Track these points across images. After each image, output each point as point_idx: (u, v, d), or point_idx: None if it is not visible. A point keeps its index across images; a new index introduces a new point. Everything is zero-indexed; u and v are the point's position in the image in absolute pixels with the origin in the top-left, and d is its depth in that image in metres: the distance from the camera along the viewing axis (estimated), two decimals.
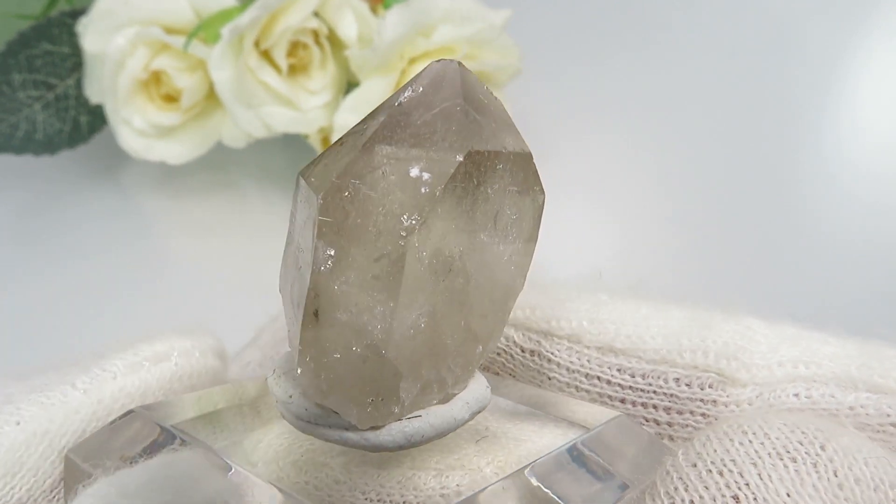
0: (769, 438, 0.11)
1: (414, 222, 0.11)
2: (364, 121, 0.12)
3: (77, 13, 0.39)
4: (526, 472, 0.12)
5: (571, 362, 0.15)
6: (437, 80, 0.12)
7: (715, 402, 0.14)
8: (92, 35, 0.37)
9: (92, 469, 0.13)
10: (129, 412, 0.14)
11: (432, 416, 0.13)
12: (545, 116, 0.47)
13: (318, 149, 0.40)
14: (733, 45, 0.56)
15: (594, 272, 0.17)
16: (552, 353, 0.15)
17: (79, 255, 0.39)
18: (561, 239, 0.17)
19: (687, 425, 0.14)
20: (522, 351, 0.15)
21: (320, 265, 0.11)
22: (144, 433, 0.13)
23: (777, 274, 0.38)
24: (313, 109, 0.38)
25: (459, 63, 0.12)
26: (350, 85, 0.39)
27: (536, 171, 0.13)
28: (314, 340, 0.12)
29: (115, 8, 0.37)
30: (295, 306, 0.12)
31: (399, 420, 0.12)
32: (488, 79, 0.39)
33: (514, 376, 0.15)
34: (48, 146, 0.40)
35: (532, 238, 0.13)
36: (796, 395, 0.13)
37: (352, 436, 0.12)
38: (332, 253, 0.11)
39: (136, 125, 0.39)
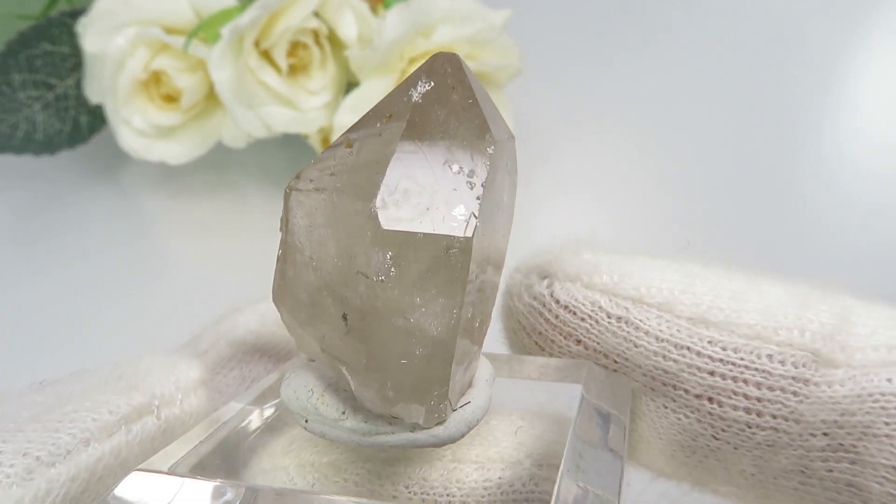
0: None
1: (471, 219, 0.11)
2: (369, 122, 0.12)
3: (77, 13, 0.39)
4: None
5: (661, 331, 0.14)
6: (442, 74, 0.12)
7: (807, 381, 0.13)
8: (92, 35, 0.37)
9: None
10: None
11: (477, 399, 0.13)
12: (545, 116, 0.47)
13: (319, 149, 0.40)
14: (733, 45, 0.56)
15: (683, 242, 0.17)
16: (641, 321, 0.14)
17: (79, 255, 0.39)
18: (559, 239, 0.17)
19: (777, 402, 0.14)
20: (609, 317, 0.15)
21: (379, 274, 0.11)
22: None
23: (776, 272, 0.37)
24: (313, 109, 0.38)
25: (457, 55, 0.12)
26: (350, 85, 0.39)
27: (515, 153, 0.13)
28: (377, 352, 0.11)
29: (114, 8, 0.37)
30: (332, 319, 0.12)
31: (454, 410, 0.12)
32: (488, 79, 0.39)
33: (598, 343, 0.15)
34: (48, 146, 0.40)
35: (512, 216, 0.13)
36: (889, 380, 0.13)
37: (420, 436, 0.12)
38: (390, 258, 0.11)
39: (136, 125, 0.39)
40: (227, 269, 0.38)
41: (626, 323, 0.15)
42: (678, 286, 0.15)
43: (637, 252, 0.16)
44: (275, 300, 0.13)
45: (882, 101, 0.51)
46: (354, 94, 0.37)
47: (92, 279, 0.38)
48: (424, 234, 0.11)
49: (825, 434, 0.13)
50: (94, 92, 0.39)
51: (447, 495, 0.13)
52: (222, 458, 0.13)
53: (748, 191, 0.43)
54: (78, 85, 0.40)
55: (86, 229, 0.41)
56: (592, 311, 0.15)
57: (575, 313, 0.15)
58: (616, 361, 0.15)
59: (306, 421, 0.13)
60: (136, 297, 0.37)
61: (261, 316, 0.17)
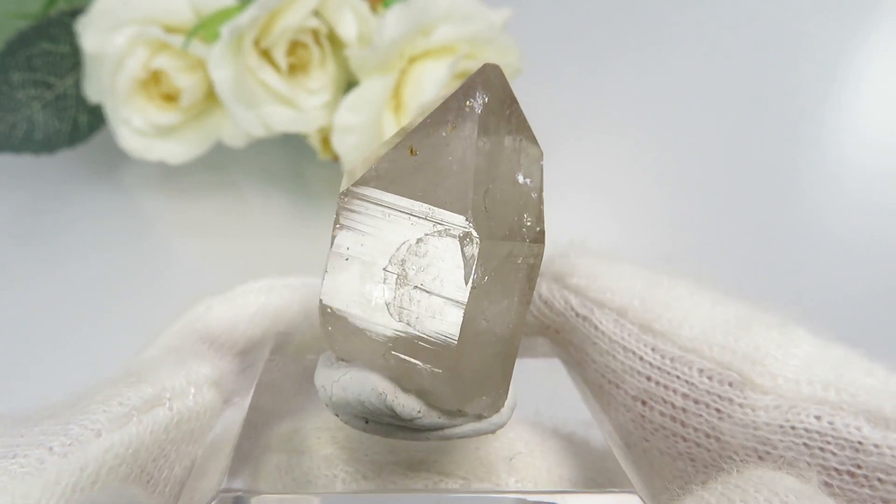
0: None
1: (535, 222, 0.13)
2: (428, 129, 0.12)
3: (76, 13, 0.39)
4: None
5: (614, 333, 0.16)
6: (495, 87, 0.12)
7: (731, 400, 0.14)
8: (91, 34, 0.37)
9: None
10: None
11: (511, 388, 0.13)
12: (545, 116, 0.47)
13: (318, 148, 0.40)
14: (734, 46, 0.56)
15: (664, 257, 0.18)
16: (599, 322, 0.16)
17: (79, 255, 0.39)
18: (561, 238, 0.18)
19: (699, 415, 0.14)
20: (577, 315, 0.16)
21: (475, 282, 0.12)
22: None
23: (777, 273, 0.38)
24: (313, 109, 0.38)
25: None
26: (350, 84, 0.39)
27: None
28: (465, 352, 0.12)
29: (114, 7, 0.37)
30: (406, 326, 0.12)
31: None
32: None
33: (569, 336, 0.17)
34: (47, 146, 0.40)
35: None
36: (818, 417, 0.13)
37: (482, 425, 0.13)
38: (478, 265, 0.12)
39: (135, 125, 0.39)
40: (227, 269, 0.38)
41: (588, 322, 0.16)
42: (638, 294, 0.16)
43: (620, 259, 0.17)
44: (328, 302, 0.13)
45: (882, 101, 0.51)
46: (354, 94, 0.37)
47: (92, 279, 0.38)
48: (500, 236, 0.12)
49: (742, 462, 0.13)
50: (93, 91, 0.39)
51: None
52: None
53: (749, 190, 0.43)
54: (77, 84, 0.40)
55: (86, 229, 0.41)
56: (564, 308, 0.17)
57: (552, 308, 0.17)
58: (578, 353, 0.16)
59: (367, 422, 0.13)
60: (136, 297, 0.37)
61: (207, 308, 0.18)
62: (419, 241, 0.12)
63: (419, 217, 0.12)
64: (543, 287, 0.17)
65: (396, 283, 0.12)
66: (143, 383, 0.14)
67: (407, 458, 0.13)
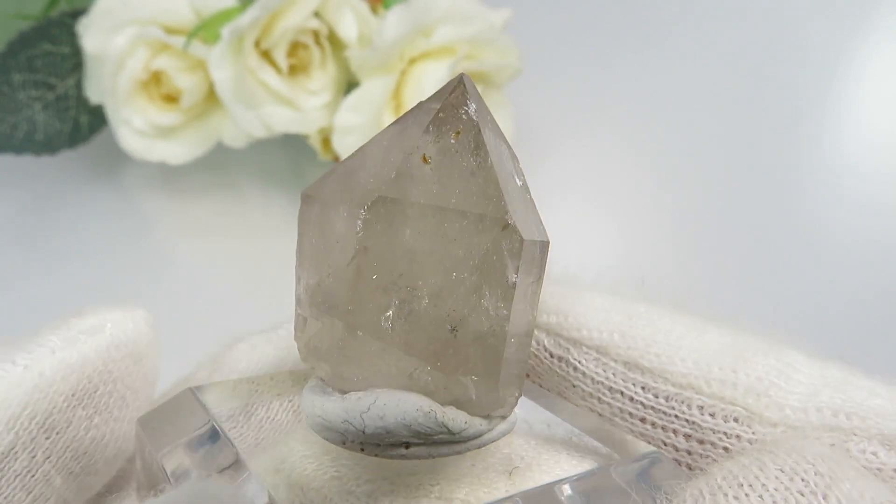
0: (767, 490, 0.11)
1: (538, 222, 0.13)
2: (433, 136, 0.12)
3: (77, 13, 0.39)
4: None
5: (597, 373, 0.14)
6: (478, 97, 0.13)
7: (739, 437, 0.13)
8: (92, 35, 0.37)
9: (154, 447, 0.14)
10: (186, 391, 0.15)
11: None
12: (545, 116, 0.47)
13: (319, 149, 0.40)
14: (734, 46, 0.56)
15: (637, 279, 0.16)
16: (579, 362, 0.15)
17: (79, 255, 0.39)
18: (560, 239, 0.17)
19: (707, 456, 0.13)
20: (551, 356, 0.15)
21: (512, 287, 0.12)
22: (195, 423, 0.14)
23: (777, 273, 0.38)
24: (313, 109, 0.38)
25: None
26: (350, 85, 0.39)
27: None
28: (506, 358, 0.12)
29: (114, 8, 0.37)
30: (446, 331, 0.12)
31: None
32: (488, 79, 0.39)
33: (541, 380, 0.15)
34: (48, 146, 0.40)
35: None
36: (832, 446, 0.12)
37: (505, 426, 0.13)
38: (516, 269, 0.12)
39: (136, 125, 0.39)
40: (227, 269, 0.38)
41: (565, 363, 0.15)
42: (618, 329, 0.15)
43: (587, 288, 0.16)
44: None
45: (882, 101, 0.51)
46: (354, 94, 0.37)
47: (92, 279, 0.38)
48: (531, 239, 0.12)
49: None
50: (94, 92, 0.39)
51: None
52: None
53: (748, 190, 0.43)
54: (78, 85, 0.40)
55: (86, 229, 0.41)
56: (537, 349, 0.15)
57: None
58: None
59: (407, 447, 0.12)
60: (137, 297, 0.36)
61: (252, 347, 0.17)
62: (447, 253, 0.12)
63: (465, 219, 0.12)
64: None
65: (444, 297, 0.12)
66: (88, 315, 0.16)
67: (403, 483, 0.13)
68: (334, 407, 0.12)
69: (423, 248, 0.12)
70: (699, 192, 0.43)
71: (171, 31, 0.37)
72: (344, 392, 0.12)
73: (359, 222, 0.12)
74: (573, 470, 0.14)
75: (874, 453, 0.12)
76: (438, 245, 0.12)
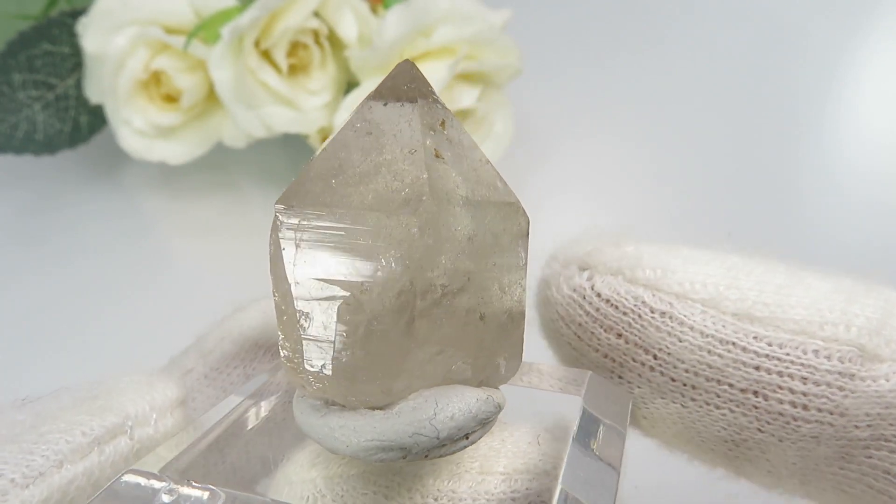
0: None
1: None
2: (430, 132, 0.12)
3: (77, 13, 0.39)
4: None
5: (706, 326, 0.14)
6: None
7: (853, 376, 0.13)
8: (92, 35, 0.37)
9: None
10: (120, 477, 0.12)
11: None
12: (545, 116, 0.47)
13: (319, 149, 0.40)
14: (733, 46, 0.56)
15: (725, 233, 0.16)
16: (686, 316, 0.14)
17: (79, 255, 0.39)
18: (560, 239, 0.17)
19: (822, 396, 0.14)
20: (652, 312, 0.15)
21: (524, 266, 0.13)
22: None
23: (816, 266, 0.37)
24: (313, 109, 0.38)
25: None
26: (350, 85, 0.39)
27: None
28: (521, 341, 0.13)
29: (114, 8, 0.37)
30: (476, 319, 0.12)
31: None
32: (488, 79, 0.39)
33: (639, 337, 0.15)
34: (48, 146, 0.40)
35: None
36: None
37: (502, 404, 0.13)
38: (525, 255, 0.13)
39: (136, 125, 0.39)
40: (227, 269, 0.38)
41: (670, 318, 0.15)
42: (723, 281, 0.15)
43: (678, 244, 0.16)
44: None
45: (882, 101, 0.51)
46: (354, 94, 0.37)
47: (92, 279, 0.38)
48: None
49: (869, 426, 0.14)
50: (94, 92, 0.39)
51: None
52: (215, 459, 0.13)
53: (748, 190, 0.43)
54: (78, 85, 0.40)
55: (86, 229, 0.41)
56: (635, 305, 0.15)
57: (617, 307, 0.15)
58: (657, 357, 0.15)
59: (467, 437, 0.12)
60: (137, 297, 0.37)
61: (263, 313, 0.17)
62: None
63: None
64: (599, 283, 0.15)
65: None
66: (107, 412, 0.13)
67: (445, 461, 0.13)
68: (392, 424, 0.12)
69: (457, 243, 0.12)
70: (699, 192, 0.43)
71: (171, 31, 0.37)
72: (358, 405, 0.12)
73: (415, 230, 0.11)
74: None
75: None
76: (470, 237, 0.12)
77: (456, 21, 0.37)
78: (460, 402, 0.12)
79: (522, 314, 0.13)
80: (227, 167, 0.44)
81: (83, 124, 0.41)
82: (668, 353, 0.15)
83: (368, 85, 0.37)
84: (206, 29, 0.37)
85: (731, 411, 0.14)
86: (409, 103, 0.12)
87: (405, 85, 0.12)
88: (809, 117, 0.49)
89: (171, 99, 0.39)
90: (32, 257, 0.39)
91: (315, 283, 0.11)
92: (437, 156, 0.12)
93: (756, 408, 0.14)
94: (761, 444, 0.15)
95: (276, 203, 0.11)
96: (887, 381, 0.13)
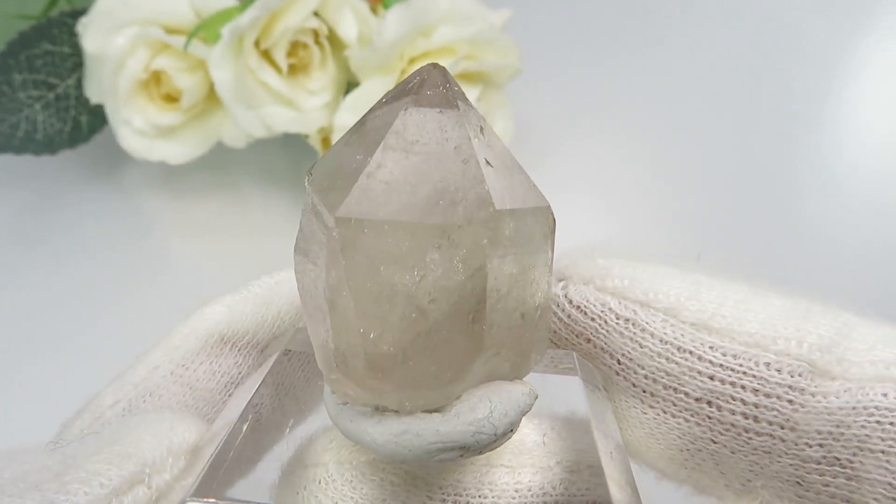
0: None
1: None
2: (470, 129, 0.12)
3: (77, 13, 0.39)
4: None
5: (665, 333, 0.15)
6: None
7: (803, 390, 0.14)
8: (92, 35, 0.37)
9: None
10: None
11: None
12: (545, 116, 0.47)
13: (319, 149, 0.40)
14: (733, 46, 0.56)
15: (693, 253, 0.17)
16: (647, 323, 0.15)
17: (79, 255, 0.39)
18: (561, 238, 0.17)
19: (773, 409, 0.14)
20: (617, 318, 0.16)
21: (550, 263, 0.13)
22: None
23: (777, 273, 0.38)
24: (313, 109, 0.38)
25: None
26: (350, 85, 0.39)
27: None
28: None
29: (115, 8, 0.37)
30: (517, 319, 0.12)
31: None
32: (488, 79, 0.39)
33: (605, 342, 0.16)
34: (48, 146, 0.40)
35: None
36: (885, 395, 0.13)
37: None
38: (552, 252, 0.13)
39: (136, 125, 0.39)
40: (227, 269, 0.38)
41: (633, 324, 0.15)
42: (685, 293, 0.15)
43: (649, 259, 0.17)
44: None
45: (882, 101, 0.51)
46: (354, 94, 0.37)
47: (92, 279, 0.38)
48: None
49: (820, 445, 0.14)
50: (94, 92, 0.39)
51: (479, 497, 0.14)
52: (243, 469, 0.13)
53: (748, 191, 0.43)
54: (78, 85, 0.40)
55: (86, 229, 0.41)
56: (602, 311, 0.16)
57: (586, 313, 0.16)
58: (620, 362, 0.16)
59: (512, 431, 0.13)
60: (137, 297, 0.37)
61: (228, 307, 0.17)
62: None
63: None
64: (572, 291, 0.16)
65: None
66: (126, 460, 0.13)
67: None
68: (454, 426, 0.12)
69: (507, 248, 0.12)
70: (699, 193, 0.43)
71: (171, 31, 0.37)
72: (414, 410, 0.12)
73: (485, 242, 0.11)
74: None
75: None
76: (513, 240, 0.12)
77: (456, 21, 0.37)
78: (510, 399, 0.12)
79: (549, 308, 0.13)
80: (227, 167, 0.44)
81: (83, 124, 0.41)
82: (631, 359, 0.15)
83: (368, 85, 0.37)
84: (206, 29, 0.37)
85: (686, 420, 0.15)
86: (449, 109, 0.12)
87: (442, 87, 0.12)
88: (809, 117, 0.49)
89: (171, 99, 0.39)
90: (32, 257, 0.39)
91: (380, 294, 0.11)
92: (487, 163, 0.12)
93: (710, 417, 0.15)
94: (715, 455, 0.15)
95: (337, 214, 0.11)
96: (837, 398, 0.14)
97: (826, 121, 0.49)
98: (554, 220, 0.13)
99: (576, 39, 0.56)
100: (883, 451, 0.13)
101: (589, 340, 0.16)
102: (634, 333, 0.15)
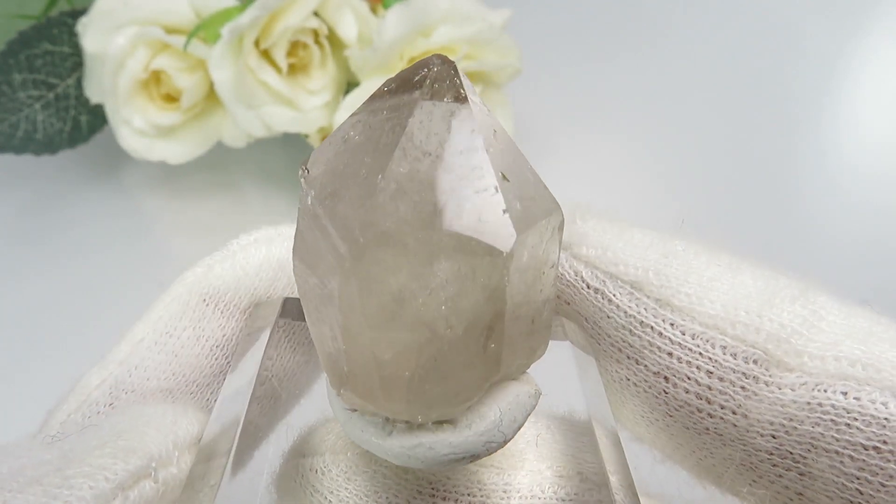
0: None
1: None
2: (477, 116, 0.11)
3: (77, 13, 0.39)
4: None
5: (629, 307, 0.15)
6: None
7: (757, 378, 0.14)
8: (92, 35, 0.37)
9: None
10: None
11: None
12: (545, 116, 0.47)
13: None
14: (733, 46, 0.56)
15: (677, 220, 0.17)
16: (613, 295, 0.15)
17: (79, 254, 0.39)
18: (563, 202, 0.17)
19: (725, 393, 0.14)
20: (588, 287, 0.16)
21: (555, 265, 0.12)
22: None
23: (765, 263, 0.38)
24: (313, 109, 0.38)
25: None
26: (350, 85, 0.39)
27: None
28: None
29: (115, 8, 0.37)
30: (529, 324, 0.12)
31: None
32: (488, 79, 0.39)
33: (579, 308, 0.16)
34: (48, 146, 0.40)
35: None
36: (844, 393, 0.13)
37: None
38: (559, 253, 0.13)
39: (136, 125, 0.39)
40: None
41: (601, 295, 0.15)
42: (653, 267, 0.15)
43: (631, 224, 0.17)
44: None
45: (882, 101, 0.51)
46: (354, 94, 0.37)
47: (92, 279, 0.38)
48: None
49: (773, 436, 0.14)
50: (94, 92, 0.39)
51: (468, 495, 0.14)
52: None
53: (748, 190, 0.43)
54: (78, 85, 0.40)
55: (86, 229, 0.41)
56: (575, 279, 0.16)
57: (562, 279, 0.16)
58: (592, 327, 0.16)
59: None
60: (137, 297, 0.37)
61: (207, 266, 0.18)
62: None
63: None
64: None
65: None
66: (131, 454, 0.13)
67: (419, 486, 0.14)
68: (466, 437, 0.12)
69: (524, 261, 0.11)
70: (698, 192, 0.43)
71: (171, 30, 0.37)
72: (426, 422, 0.12)
73: (506, 273, 0.11)
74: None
75: (884, 404, 0.13)
76: (531, 252, 0.12)
77: (456, 21, 0.37)
78: (518, 404, 0.12)
79: (553, 300, 0.13)
80: (227, 167, 0.44)
81: (83, 124, 0.41)
82: (600, 327, 0.16)
83: (368, 85, 0.37)
84: (206, 29, 0.37)
85: (645, 391, 0.15)
86: (461, 110, 0.11)
87: (447, 81, 0.11)
88: (809, 117, 0.49)
89: (171, 99, 0.39)
90: (32, 257, 0.39)
91: (393, 318, 0.11)
92: (504, 178, 0.11)
93: (665, 392, 0.15)
94: (671, 428, 0.15)
95: (352, 248, 0.11)
96: (792, 390, 0.13)
97: (826, 121, 0.49)
98: (562, 217, 0.12)
99: (576, 39, 0.56)
100: (837, 452, 0.13)
101: (568, 303, 0.16)
102: (602, 304, 0.15)
